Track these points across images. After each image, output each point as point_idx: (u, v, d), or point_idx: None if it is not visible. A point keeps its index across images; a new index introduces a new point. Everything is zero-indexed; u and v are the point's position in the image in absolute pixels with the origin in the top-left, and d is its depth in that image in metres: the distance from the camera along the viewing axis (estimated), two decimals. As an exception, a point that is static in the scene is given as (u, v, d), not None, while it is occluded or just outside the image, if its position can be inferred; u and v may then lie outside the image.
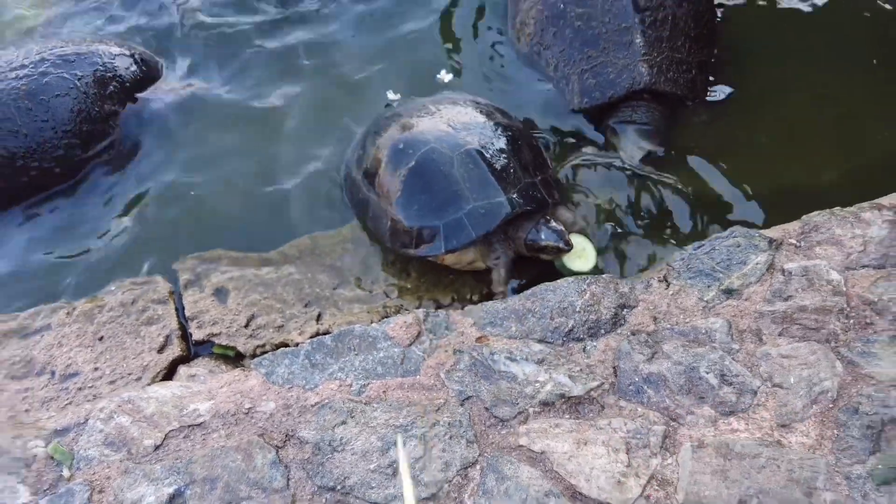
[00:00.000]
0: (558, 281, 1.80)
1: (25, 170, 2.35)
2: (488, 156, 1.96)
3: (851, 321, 1.67)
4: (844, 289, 1.73)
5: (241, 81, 2.70)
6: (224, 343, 1.99)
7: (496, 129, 2.05)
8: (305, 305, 2.07)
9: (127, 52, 2.62)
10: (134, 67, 2.59)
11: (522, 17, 2.42)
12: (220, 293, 2.10)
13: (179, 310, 2.10)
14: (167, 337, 2.03)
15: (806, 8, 2.49)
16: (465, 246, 1.92)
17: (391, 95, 2.49)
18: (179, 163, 2.51)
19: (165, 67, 2.73)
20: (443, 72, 2.51)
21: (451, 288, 2.09)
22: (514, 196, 1.91)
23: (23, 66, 2.44)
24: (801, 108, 2.29)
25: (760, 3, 2.59)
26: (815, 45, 2.41)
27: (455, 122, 2.04)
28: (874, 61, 2.37)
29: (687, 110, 2.31)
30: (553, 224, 1.95)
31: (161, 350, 2.01)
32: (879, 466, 1.39)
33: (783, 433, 1.47)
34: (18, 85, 2.39)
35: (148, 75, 2.64)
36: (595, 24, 2.22)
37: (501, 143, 2.01)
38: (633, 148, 2.20)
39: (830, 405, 1.51)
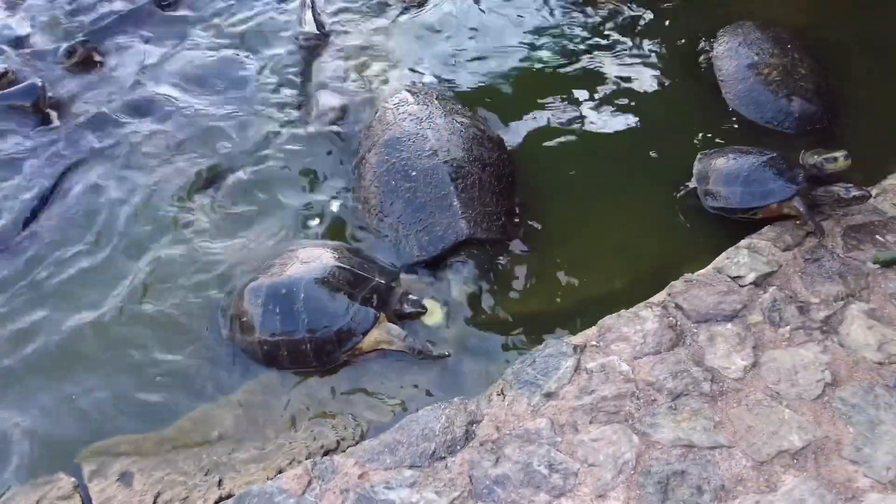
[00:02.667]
0: (419, 412, 2.21)
1: None
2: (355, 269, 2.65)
3: (641, 401, 2.20)
4: (633, 376, 2.27)
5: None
6: (134, 525, 2.18)
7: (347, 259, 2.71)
8: (206, 474, 2.31)
9: None
10: None
11: (364, 193, 2.95)
12: (125, 477, 2.30)
13: (86, 502, 2.26)
14: (77, 531, 2.18)
15: (581, 174, 3.23)
16: (372, 326, 2.52)
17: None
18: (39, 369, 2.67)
19: None
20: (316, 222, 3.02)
21: (333, 431, 2.42)
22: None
23: None
24: (588, 237, 2.95)
25: (546, 155, 3.32)
26: (592, 189, 3.13)
27: (312, 257, 2.67)
28: (641, 199, 3.10)
29: (504, 247, 2.89)
30: (412, 297, 2.65)
31: (72, 545, 2.16)
32: (667, 512, 1.86)
33: (600, 502, 1.92)
34: None
35: None
36: (420, 194, 2.79)
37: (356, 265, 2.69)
38: (466, 281, 2.73)
39: (632, 472, 1.99)
